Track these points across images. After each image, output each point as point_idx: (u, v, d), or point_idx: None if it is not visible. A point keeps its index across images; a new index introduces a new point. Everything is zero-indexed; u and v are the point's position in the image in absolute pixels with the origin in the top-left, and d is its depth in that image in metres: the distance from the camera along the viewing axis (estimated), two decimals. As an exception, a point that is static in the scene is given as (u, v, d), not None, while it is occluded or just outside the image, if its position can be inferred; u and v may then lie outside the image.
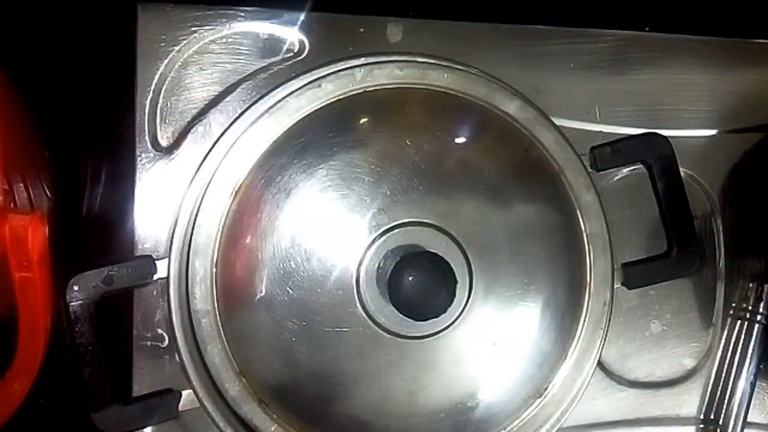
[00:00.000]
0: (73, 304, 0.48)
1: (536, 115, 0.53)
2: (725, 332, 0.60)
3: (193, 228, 0.51)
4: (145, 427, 0.52)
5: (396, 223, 0.51)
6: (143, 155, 0.55)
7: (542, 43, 0.59)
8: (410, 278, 0.47)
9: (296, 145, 0.52)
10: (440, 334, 0.51)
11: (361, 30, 0.57)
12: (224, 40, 0.56)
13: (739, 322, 0.60)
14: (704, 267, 0.60)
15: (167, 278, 0.51)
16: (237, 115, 0.53)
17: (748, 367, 0.58)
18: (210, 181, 0.51)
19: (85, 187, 0.63)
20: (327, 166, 0.51)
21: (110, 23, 0.58)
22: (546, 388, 0.53)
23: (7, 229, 0.48)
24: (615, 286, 0.53)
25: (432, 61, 0.53)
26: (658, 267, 0.54)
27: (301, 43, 0.56)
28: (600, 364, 0.56)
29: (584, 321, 0.53)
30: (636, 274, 0.54)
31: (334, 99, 0.53)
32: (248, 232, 0.51)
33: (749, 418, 0.58)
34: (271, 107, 0.52)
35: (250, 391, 0.51)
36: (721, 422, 0.58)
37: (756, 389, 0.59)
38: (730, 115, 0.61)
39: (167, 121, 0.55)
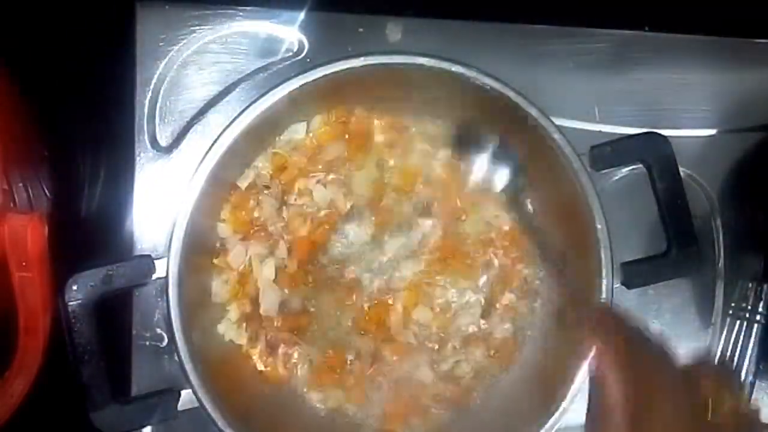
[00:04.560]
0: (72, 303, 0.48)
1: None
2: (725, 332, 0.60)
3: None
4: (144, 426, 0.52)
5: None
6: (142, 155, 0.55)
7: (542, 43, 0.59)
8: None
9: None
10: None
11: (361, 29, 0.57)
12: (223, 40, 0.56)
13: (738, 321, 0.59)
14: (704, 267, 0.60)
15: (166, 278, 0.51)
16: (236, 114, 0.53)
17: (748, 367, 0.58)
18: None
19: (84, 187, 0.63)
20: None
21: (110, 23, 0.58)
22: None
23: (6, 229, 0.48)
24: (615, 286, 0.53)
25: (433, 63, 0.53)
26: (657, 267, 0.54)
27: (301, 42, 0.56)
28: (599, 364, 0.56)
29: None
30: (636, 274, 0.54)
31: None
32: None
33: (749, 418, 0.58)
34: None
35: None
36: (720, 422, 0.58)
37: (756, 389, 0.58)
38: (729, 115, 0.60)
39: (166, 120, 0.55)
